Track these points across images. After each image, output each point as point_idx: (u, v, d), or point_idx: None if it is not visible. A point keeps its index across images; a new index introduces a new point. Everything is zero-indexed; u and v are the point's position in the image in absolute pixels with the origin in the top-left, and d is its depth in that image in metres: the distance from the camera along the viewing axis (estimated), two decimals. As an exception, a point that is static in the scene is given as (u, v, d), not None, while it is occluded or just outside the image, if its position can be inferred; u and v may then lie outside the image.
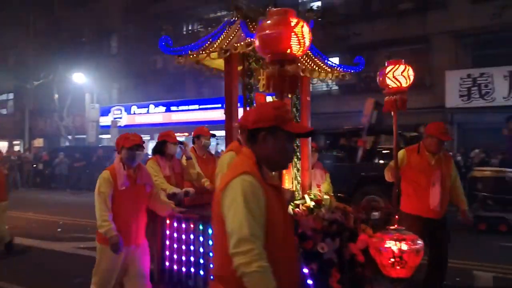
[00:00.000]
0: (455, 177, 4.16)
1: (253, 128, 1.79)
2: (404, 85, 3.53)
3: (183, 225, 3.71)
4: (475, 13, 13.74)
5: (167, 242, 3.80)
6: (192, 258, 3.63)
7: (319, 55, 4.37)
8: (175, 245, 3.75)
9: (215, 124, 18.94)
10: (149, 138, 21.94)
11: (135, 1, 20.78)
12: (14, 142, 24.75)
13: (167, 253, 3.79)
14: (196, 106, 19.37)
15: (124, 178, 3.40)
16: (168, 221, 3.81)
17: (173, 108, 20.09)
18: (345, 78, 4.47)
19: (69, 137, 22.36)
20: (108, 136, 20.69)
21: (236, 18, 3.88)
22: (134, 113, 21.19)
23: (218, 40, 3.83)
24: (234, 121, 3.72)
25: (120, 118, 21.19)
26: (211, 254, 3.22)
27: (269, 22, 2.55)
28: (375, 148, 9.12)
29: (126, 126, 21.00)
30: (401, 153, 4.13)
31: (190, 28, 20.21)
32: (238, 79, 3.83)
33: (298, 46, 2.53)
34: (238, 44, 3.53)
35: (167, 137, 4.38)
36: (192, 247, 3.63)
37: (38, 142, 25.16)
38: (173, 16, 19.16)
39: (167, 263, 3.78)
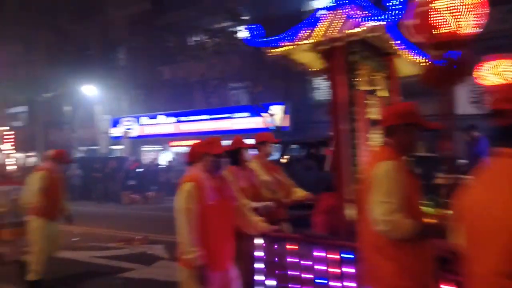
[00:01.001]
0: None
1: (393, 124, 2.26)
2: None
3: (276, 246, 3.20)
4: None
5: (256, 266, 3.27)
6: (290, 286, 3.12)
7: None
8: (267, 269, 3.23)
9: (223, 134, 19.23)
10: (161, 148, 22.29)
11: (141, 14, 21.23)
12: (29, 154, 25.27)
13: (257, 278, 3.26)
14: (205, 116, 19.65)
15: (212, 191, 2.90)
16: (257, 241, 3.27)
17: (182, 118, 20.40)
18: None
19: (82, 148, 22.79)
20: (120, 146, 21.03)
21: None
22: (145, 124, 21.55)
23: (318, 28, 3.22)
24: (343, 123, 3.19)
25: (131, 129, 21.57)
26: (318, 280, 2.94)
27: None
28: None
29: (137, 137, 21.38)
30: None
31: (195, 39, 20.59)
32: (344, 74, 3.22)
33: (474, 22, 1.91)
34: (352, 31, 2.95)
35: (240, 143, 3.82)
36: (292, 273, 3.09)
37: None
38: (179, 27, 19.52)
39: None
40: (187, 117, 20.24)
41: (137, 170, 17.41)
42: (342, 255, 2.87)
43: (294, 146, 10.41)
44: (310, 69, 3.85)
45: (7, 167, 13.42)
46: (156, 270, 6.03)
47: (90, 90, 21.14)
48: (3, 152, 8.85)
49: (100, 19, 22.59)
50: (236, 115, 18.82)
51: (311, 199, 3.96)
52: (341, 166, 3.17)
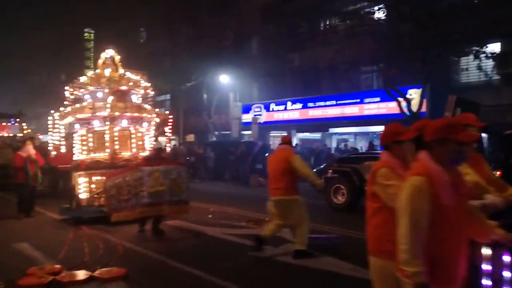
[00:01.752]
0: None
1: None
2: None
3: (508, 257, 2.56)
4: None
5: (484, 283, 2.66)
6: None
7: None
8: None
9: (350, 120, 18.55)
10: (286, 134, 22.54)
11: (273, 2, 21.53)
12: (171, 138, 28.07)
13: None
14: (333, 102, 19.18)
15: (450, 189, 2.19)
16: (485, 251, 2.64)
17: (309, 104, 20.26)
18: None
19: (216, 133, 24.40)
20: (249, 132, 21.92)
21: None
22: (273, 110, 22.02)
23: None
24: None
25: (260, 115, 22.27)
26: None
27: None
28: None
29: (265, 122, 21.99)
30: None
31: (328, 23, 20.08)
32: None
33: None
34: None
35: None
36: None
37: (190, 138, 28.06)
38: (310, 12, 19.26)
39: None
40: (315, 103, 20.02)
41: (264, 154, 17.87)
42: None
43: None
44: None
45: (167, 149, 14.99)
46: (283, 252, 5.99)
47: (224, 79, 22.41)
48: (165, 135, 9.77)
49: (234, 11, 23.67)
50: (367, 100, 17.92)
51: None
52: None
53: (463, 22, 12.10)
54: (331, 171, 10.45)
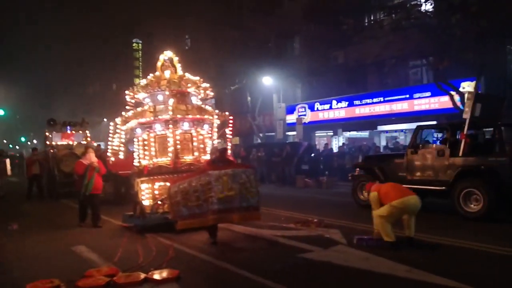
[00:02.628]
0: None
1: None
2: None
3: None
4: None
5: None
6: None
7: None
8: None
9: (399, 116, 17.91)
10: (332, 134, 22.21)
11: (315, 1, 21.27)
12: (230, 140, 28.38)
13: None
14: (381, 99, 18.62)
15: None
16: None
17: (356, 102, 19.80)
18: None
19: (260, 134, 24.47)
20: (294, 132, 21.79)
21: None
22: (317, 110, 21.75)
23: None
24: None
25: (304, 115, 22.07)
26: None
27: None
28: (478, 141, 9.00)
29: (310, 122, 21.76)
30: None
31: (372, 18, 19.54)
32: None
33: None
34: None
35: None
36: None
37: (235, 140, 28.35)
38: (354, 8, 18.83)
39: None
40: (361, 100, 19.54)
41: (310, 155, 17.69)
42: None
43: None
44: None
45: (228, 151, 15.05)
46: (334, 253, 5.87)
47: (268, 81, 22.43)
48: (226, 137, 9.51)
49: (276, 12, 23.64)
50: (416, 95, 17.24)
51: None
52: None
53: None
54: (357, 169, 10.95)
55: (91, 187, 8.55)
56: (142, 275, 4.99)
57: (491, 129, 9.03)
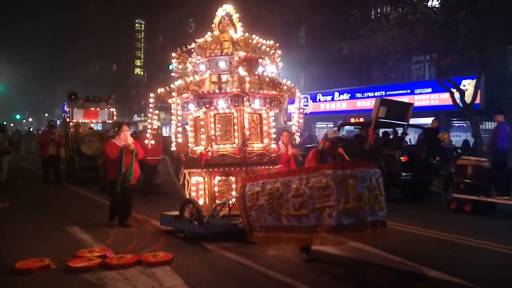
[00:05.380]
0: None
1: None
2: None
3: None
4: None
5: None
6: None
7: None
8: None
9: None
10: (332, 125, 22.17)
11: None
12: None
13: None
14: (383, 92, 18.55)
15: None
16: None
17: (358, 95, 19.73)
18: None
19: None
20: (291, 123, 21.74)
21: None
22: (319, 101, 21.67)
23: None
24: None
25: (306, 106, 22.00)
26: None
27: None
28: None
29: (311, 113, 21.71)
30: None
31: (378, 11, 19.35)
32: None
33: None
34: None
35: None
36: None
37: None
38: (361, 0, 18.62)
39: None
40: (363, 93, 19.46)
41: (309, 145, 17.65)
42: None
43: None
44: None
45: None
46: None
47: (272, 69, 22.22)
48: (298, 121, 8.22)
49: (283, 2, 23.36)
50: (417, 90, 17.18)
51: None
52: None
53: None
54: None
55: (132, 176, 6.89)
56: (135, 257, 4.98)
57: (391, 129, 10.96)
